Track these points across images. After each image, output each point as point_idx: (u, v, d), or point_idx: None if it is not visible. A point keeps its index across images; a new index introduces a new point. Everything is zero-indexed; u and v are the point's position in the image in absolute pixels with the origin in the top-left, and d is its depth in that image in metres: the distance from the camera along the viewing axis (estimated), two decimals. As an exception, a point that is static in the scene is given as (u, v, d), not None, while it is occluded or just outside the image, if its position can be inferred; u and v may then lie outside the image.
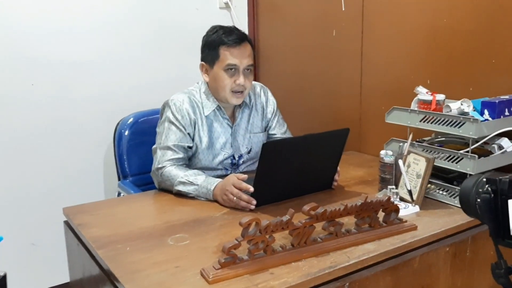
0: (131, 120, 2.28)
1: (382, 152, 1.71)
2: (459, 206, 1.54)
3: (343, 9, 2.29)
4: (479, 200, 0.69)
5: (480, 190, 0.70)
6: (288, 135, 2.04)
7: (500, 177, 0.66)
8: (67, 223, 1.59)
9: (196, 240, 1.34)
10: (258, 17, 2.86)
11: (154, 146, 1.85)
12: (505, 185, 0.65)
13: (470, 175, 1.54)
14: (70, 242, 1.56)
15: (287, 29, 2.67)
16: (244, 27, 2.85)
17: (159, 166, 1.76)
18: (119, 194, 2.17)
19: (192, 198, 1.67)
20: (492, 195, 0.67)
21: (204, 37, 1.86)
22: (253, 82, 2.04)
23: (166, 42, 2.65)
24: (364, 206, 1.31)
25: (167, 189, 1.75)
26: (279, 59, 2.75)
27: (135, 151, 2.25)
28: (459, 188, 1.56)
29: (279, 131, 2.02)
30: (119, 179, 2.25)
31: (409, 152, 1.63)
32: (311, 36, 2.51)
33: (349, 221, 1.34)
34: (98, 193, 2.54)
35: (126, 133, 2.25)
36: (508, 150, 1.58)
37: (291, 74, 2.68)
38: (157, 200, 1.73)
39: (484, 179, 0.69)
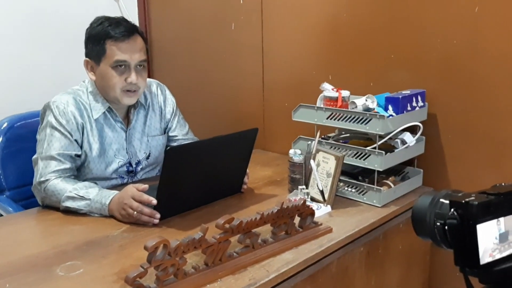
0: (5, 125, 1.96)
1: (291, 151, 1.64)
2: (369, 203, 1.56)
3: (241, 2, 2.19)
4: (439, 224, 0.62)
5: (440, 211, 0.62)
6: (190, 136, 1.89)
7: (467, 200, 0.59)
8: None
9: (91, 267, 1.14)
10: (150, 7, 2.65)
11: (34, 156, 1.59)
12: (473, 209, 0.59)
13: (378, 171, 1.54)
14: None
15: (182, 21, 2.50)
16: (134, 18, 2.62)
17: (42, 179, 1.51)
18: (-6, 212, 1.86)
19: (84, 214, 1.45)
20: (459, 220, 0.60)
21: (87, 29, 1.63)
22: (149, 80, 1.86)
23: (45, 35, 2.33)
24: (281, 212, 1.22)
25: (53, 206, 1.51)
26: (175, 53, 2.58)
27: (11, 160, 1.93)
28: (367, 184, 1.56)
29: (180, 132, 1.86)
30: (-7, 195, 1.92)
31: (317, 151, 1.59)
32: (209, 29, 2.37)
33: (263, 229, 1.25)
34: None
35: (0, 140, 1.93)
36: (410, 144, 1.60)
37: (189, 70, 2.52)
38: (41, 220, 1.48)
39: (447, 202, 0.62)
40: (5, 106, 2.08)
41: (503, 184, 0.64)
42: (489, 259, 0.59)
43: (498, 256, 0.60)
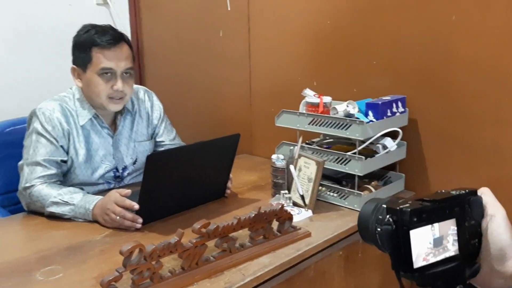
0: (-6, 131, 1.98)
1: (274, 156, 1.67)
2: (350, 207, 1.58)
3: (229, 9, 2.22)
4: (379, 229, 0.64)
5: (381, 217, 0.65)
6: (177, 141, 1.91)
7: (401, 207, 0.62)
8: None
9: (71, 272, 1.17)
10: (141, 15, 2.68)
11: (20, 162, 1.62)
12: (406, 215, 0.61)
13: (361, 176, 1.56)
14: None
15: (172, 28, 2.53)
16: (125, 25, 2.65)
17: (27, 185, 1.53)
18: (-18, 218, 1.88)
19: (69, 220, 1.48)
20: (394, 226, 0.62)
21: (74, 37, 1.65)
22: (137, 86, 1.88)
23: (34, 42, 2.35)
24: (258, 217, 1.24)
25: (38, 211, 1.53)
26: (165, 60, 2.61)
27: (0, 166, 1.95)
28: (348, 189, 1.59)
29: (168, 137, 1.88)
30: (-18, 200, 1.94)
31: (299, 156, 1.61)
32: (198, 36, 2.40)
33: (243, 233, 1.27)
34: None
35: (-11, 146, 1.95)
36: (391, 149, 1.63)
37: (179, 76, 2.55)
38: (25, 225, 1.50)
39: (385, 207, 0.64)
40: (-6, 113, 2.09)
41: (443, 191, 0.66)
42: (423, 263, 0.61)
43: (432, 260, 0.62)
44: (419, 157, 1.72)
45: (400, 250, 0.61)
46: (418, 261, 0.61)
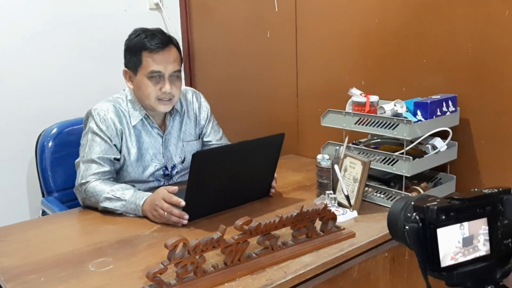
0: (54, 130, 2.10)
1: (319, 156, 1.66)
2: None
3: (276, 10, 2.23)
4: (407, 227, 0.63)
5: (409, 215, 0.64)
6: (224, 141, 1.95)
7: (428, 204, 0.60)
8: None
9: (120, 264, 1.22)
10: (192, 18, 2.75)
11: (77, 160, 1.71)
12: (433, 213, 0.60)
13: (410, 177, 1.52)
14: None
15: (222, 30, 2.58)
16: (176, 29, 2.74)
17: (83, 181, 1.62)
18: (43, 212, 2.00)
19: (120, 215, 1.54)
20: (420, 224, 0.61)
21: (126, 41, 1.73)
22: (185, 88, 1.94)
23: (92, 46, 2.47)
24: (300, 216, 1.25)
25: (93, 206, 1.61)
26: (215, 62, 2.66)
27: (60, 164, 2.07)
28: (396, 190, 1.55)
29: (214, 137, 1.93)
30: (43, 196, 2.07)
31: (345, 156, 1.60)
32: (246, 38, 2.44)
33: (286, 232, 1.28)
34: (21, 212, 2.33)
35: (50, 144, 2.08)
36: (441, 150, 1.58)
37: (227, 77, 2.60)
38: (80, 219, 1.58)
39: (413, 204, 0.63)
40: (54, 113, 2.21)
41: (475, 189, 0.64)
42: (451, 262, 0.60)
43: (461, 259, 0.60)
44: (471, 158, 1.65)
45: (427, 248, 0.60)
46: (446, 260, 0.60)
